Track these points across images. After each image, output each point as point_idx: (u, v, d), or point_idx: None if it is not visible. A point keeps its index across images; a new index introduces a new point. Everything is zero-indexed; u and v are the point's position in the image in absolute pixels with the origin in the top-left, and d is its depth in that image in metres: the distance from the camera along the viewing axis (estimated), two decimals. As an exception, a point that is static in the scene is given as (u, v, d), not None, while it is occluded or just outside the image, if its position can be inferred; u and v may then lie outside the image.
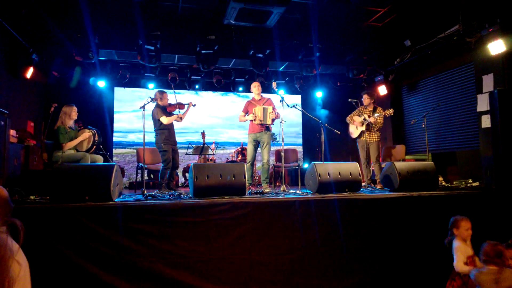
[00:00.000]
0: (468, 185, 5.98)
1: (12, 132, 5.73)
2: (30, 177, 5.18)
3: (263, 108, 5.81)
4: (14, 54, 6.61)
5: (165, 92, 5.82)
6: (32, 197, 4.17)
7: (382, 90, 8.64)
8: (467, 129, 6.96)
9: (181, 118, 5.79)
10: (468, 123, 6.93)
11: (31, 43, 6.77)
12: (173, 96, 5.92)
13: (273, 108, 5.91)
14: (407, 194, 4.49)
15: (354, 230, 4.19)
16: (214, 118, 9.98)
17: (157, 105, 5.69)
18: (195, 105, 5.89)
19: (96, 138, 5.28)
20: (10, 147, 5.41)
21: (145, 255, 3.62)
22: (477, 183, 5.98)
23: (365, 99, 6.37)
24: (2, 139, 5.01)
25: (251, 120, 5.95)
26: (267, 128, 5.95)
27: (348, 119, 6.51)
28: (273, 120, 5.89)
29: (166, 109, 5.72)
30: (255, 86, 6.10)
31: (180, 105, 5.79)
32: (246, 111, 6.15)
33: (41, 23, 6.64)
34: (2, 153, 4.91)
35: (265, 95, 6.27)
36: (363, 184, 5.39)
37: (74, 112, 5.29)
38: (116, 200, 3.86)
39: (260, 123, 5.82)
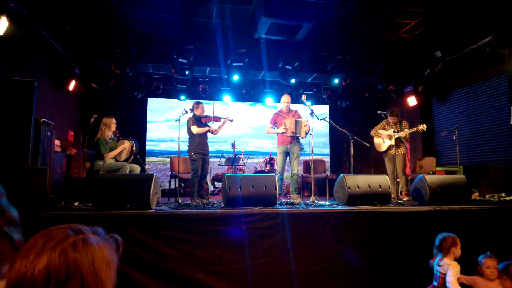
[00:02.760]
0: (501, 199, 5.85)
1: (57, 142, 6.12)
2: (72, 185, 5.51)
3: (296, 121, 5.87)
4: (59, 69, 7.07)
5: (201, 103, 6.07)
6: (76, 204, 4.46)
7: (412, 101, 8.60)
8: (500, 141, 6.82)
9: (213, 132, 6.00)
10: (501, 135, 6.79)
11: (74, 57, 7.21)
12: (211, 108, 6.08)
13: (307, 122, 5.96)
14: (437, 208, 4.48)
15: (384, 243, 4.22)
16: (243, 128, 10.18)
17: (193, 115, 5.95)
18: (232, 120, 6.08)
19: (134, 149, 5.56)
20: (54, 156, 5.79)
21: (181, 261, 3.80)
22: (510, 197, 5.86)
23: (389, 117, 6.33)
24: (48, 148, 5.38)
25: (282, 133, 6.00)
26: (298, 140, 6.02)
27: (372, 132, 6.52)
28: (306, 133, 5.93)
29: (201, 120, 5.95)
30: (285, 100, 6.16)
31: (216, 118, 6.00)
32: (274, 123, 6.20)
33: (83, 38, 7.09)
34: (48, 162, 5.27)
35: (293, 107, 6.33)
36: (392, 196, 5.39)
37: (113, 123, 5.60)
38: (154, 208, 4.08)
39: (292, 135, 5.88)
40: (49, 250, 0.79)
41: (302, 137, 5.99)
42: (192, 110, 5.94)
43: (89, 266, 0.81)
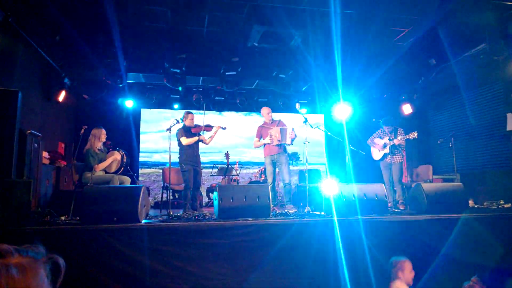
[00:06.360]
0: (499, 206, 5.75)
1: (45, 153, 5.96)
2: (61, 198, 5.35)
3: (280, 129, 5.87)
4: (48, 79, 6.94)
5: (191, 113, 5.91)
6: (62, 218, 4.29)
7: (407, 109, 8.53)
8: (497, 148, 6.75)
9: (204, 141, 5.86)
10: (498, 142, 6.72)
11: (64, 67, 7.09)
12: (201, 118, 5.91)
13: (292, 129, 5.92)
14: (435, 217, 4.37)
15: (381, 253, 4.09)
16: (237, 138, 10.07)
17: (183, 126, 5.81)
18: (225, 128, 5.92)
19: (124, 160, 5.42)
20: (42, 168, 5.63)
21: (171, 276, 3.64)
22: (509, 205, 5.75)
23: (384, 126, 6.33)
24: (35, 160, 5.23)
25: (268, 143, 5.97)
26: (284, 149, 5.98)
27: (368, 142, 6.51)
28: (292, 140, 5.89)
29: (191, 130, 5.78)
30: (267, 112, 6.22)
31: (207, 128, 5.81)
32: (260, 136, 6.19)
33: (73, 48, 6.97)
34: (35, 174, 5.11)
35: (276, 116, 6.35)
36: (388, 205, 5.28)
37: (103, 134, 5.47)
38: (143, 221, 3.94)
39: (279, 143, 5.85)
40: None
41: (288, 144, 5.93)
42: (182, 120, 5.81)
43: None
